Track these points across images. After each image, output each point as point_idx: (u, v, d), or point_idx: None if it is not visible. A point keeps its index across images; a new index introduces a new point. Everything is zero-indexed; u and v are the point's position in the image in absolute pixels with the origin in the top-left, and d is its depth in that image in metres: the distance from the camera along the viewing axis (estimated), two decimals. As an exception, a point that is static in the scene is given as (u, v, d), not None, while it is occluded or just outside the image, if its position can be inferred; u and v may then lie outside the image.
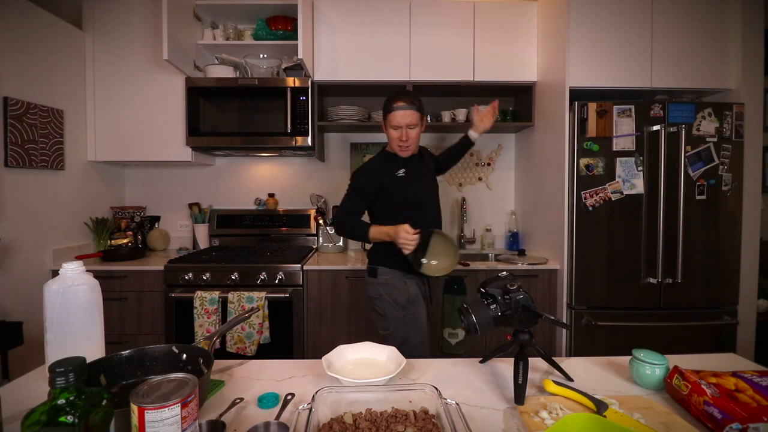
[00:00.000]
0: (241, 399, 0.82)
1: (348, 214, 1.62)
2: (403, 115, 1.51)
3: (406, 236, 1.40)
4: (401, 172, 1.59)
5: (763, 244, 2.19)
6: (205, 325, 2.00)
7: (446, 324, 2.14)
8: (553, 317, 0.82)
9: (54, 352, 0.83)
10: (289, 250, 2.42)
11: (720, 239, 2.03)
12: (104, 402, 0.54)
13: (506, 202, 2.85)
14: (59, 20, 2.16)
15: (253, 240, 2.69)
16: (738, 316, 2.05)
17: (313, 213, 2.70)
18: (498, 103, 1.84)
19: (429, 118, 2.60)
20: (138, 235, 2.57)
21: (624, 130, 1.99)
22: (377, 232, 1.53)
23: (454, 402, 0.72)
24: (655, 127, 1.97)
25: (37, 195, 2.05)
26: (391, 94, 1.60)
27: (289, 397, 0.82)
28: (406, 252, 1.42)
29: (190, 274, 2.09)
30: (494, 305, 0.85)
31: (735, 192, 2.02)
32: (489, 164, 2.83)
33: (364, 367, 0.93)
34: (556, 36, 2.19)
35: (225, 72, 2.37)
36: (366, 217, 1.65)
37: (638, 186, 2.00)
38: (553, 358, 0.93)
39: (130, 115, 2.38)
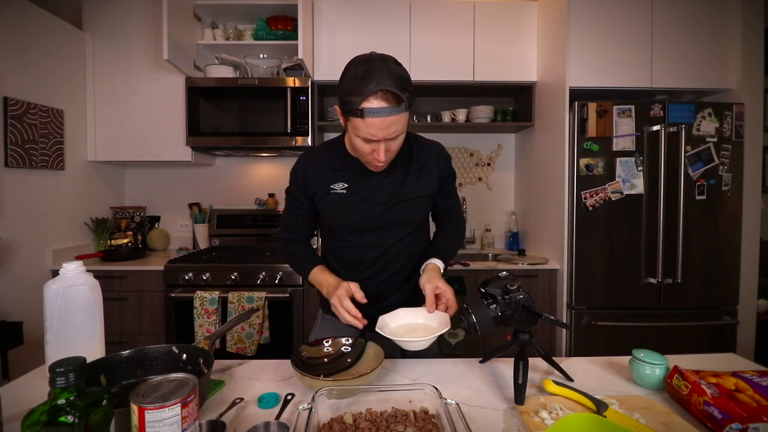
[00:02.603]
0: (241, 399, 0.81)
1: (285, 231, 1.16)
2: (383, 124, 0.86)
3: (340, 310, 0.95)
4: (340, 187, 1.04)
5: (763, 244, 2.19)
6: (205, 325, 2.00)
7: (446, 324, 2.14)
8: (553, 317, 0.82)
9: (54, 352, 0.83)
10: (289, 250, 2.42)
11: (720, 239, 2.03)
12: (104, 402, 0.54)
13: (506, 202, 2.85)
14: (59, 20, 2.16)
15: (253, 240, 2.68)
16: (738, 316, 2.05)
17: (313, 213, 2.69)
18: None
19: (429, 118, 2.60)
20: (138, 235, 2.57)
21: (624, 130, 1.99)
22: (317, 278, 1.07)
23: (454, 402, 0.72)
24: (655, 127, 1.97)
25: (37, 195, 2.05)
26: (359, 68, 0.86)
27: (289, 397, 0.82)
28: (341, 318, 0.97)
29: (190, 274, 2.09)
30: (494, 305, 0.85)
31: (735, 192, 2.02)
32: (489, 164, 2.83)
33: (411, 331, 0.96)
34: (556, 36, 2.19)
35: (225, 72, 2.37)
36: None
37: (638, 186, 2.00)
38: (553, 358, 0.93)
39: (130, 115, 2.38)
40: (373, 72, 0.84)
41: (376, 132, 0.87)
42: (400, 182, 1.05)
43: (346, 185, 1.04)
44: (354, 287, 0.98)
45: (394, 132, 0.88)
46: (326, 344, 1.00)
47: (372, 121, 0.85)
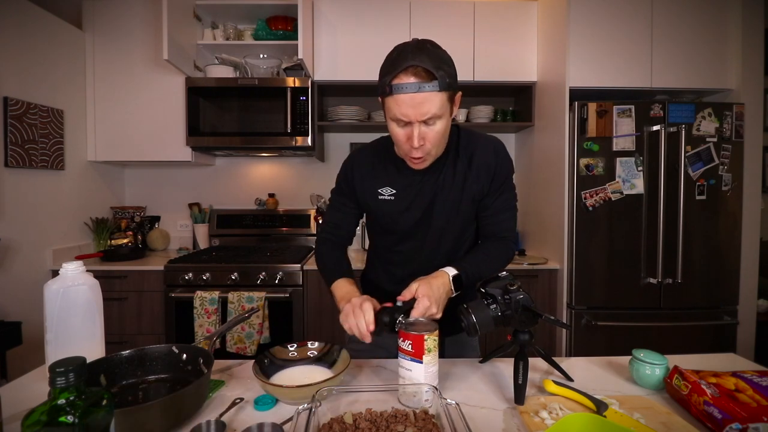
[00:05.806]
0: (241, 399, 0.81)
1: (325, 231, 1.11)
2: (412, 101, 0.82)
3: (351, 324, 0.84)
4: (387, 193, 1.02)
5: (763, 244, 2.19)
6: (205, 325, 2.00)
7: (446, 324, 2.14)
8: (553, 317, 0.82)
9: (54, 352, 0.83)
10: (289, 250, 2.42)
11: (720, 239, 2.03)
12: (104, 402, 0.54)
13: (506, 202, 2.84)
14: (59, 20, 2.16)
15: (253, 240, 2.68)
16: (738, 316, 2.05)
17: (313, 213, 2.70)
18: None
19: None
20: (138, 235, 2.57)
21: (624, 130, 1.99)
22: (342, 288, 0.98)
23: (454, 402, 0.72)
24: (655, 127, 1.97)
25: (37, 195, 2.05)
26: (395, 50, 0.86)
27: (289, 397, 0.81)
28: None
29: (190, 274, 2.08)
30: (494, 305, 0.85)
31: (735, 192, 2.02)
32: (489, 164, 2.83)
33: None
34: (556, 36, 2.19)
35: (225, 72, 2.37)
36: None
37: (638, 186, 2.00)
38: (553, 358, 0.93)
39: (130, 115, 2.38)
40: (406, 51, 0.83)
41: (407, 110, 0.83)
42: (441, 183, 0.99)
43: (394, 191, 1.02)
44: (367, 308, 0.84)
45: (426, 112, 0.83)
46: (291, 349, 1.00)
47: (401, 97, 0.82)
